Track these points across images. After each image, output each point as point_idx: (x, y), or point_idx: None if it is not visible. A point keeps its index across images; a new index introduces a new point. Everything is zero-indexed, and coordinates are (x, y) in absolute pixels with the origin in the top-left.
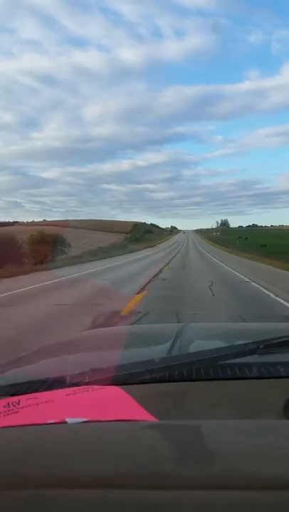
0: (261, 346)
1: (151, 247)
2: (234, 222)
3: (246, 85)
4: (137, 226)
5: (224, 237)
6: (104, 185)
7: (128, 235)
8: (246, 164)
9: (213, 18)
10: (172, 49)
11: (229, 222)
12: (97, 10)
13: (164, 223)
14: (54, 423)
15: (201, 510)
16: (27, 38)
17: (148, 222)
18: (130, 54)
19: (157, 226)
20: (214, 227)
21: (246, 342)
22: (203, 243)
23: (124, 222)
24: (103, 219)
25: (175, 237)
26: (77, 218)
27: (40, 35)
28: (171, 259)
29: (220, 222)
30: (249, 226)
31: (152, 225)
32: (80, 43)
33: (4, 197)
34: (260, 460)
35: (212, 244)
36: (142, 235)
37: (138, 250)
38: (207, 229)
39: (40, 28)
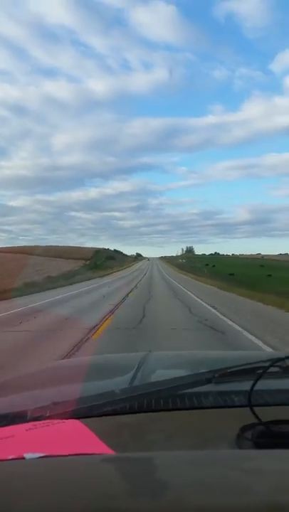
0: (216, 375)
1: (109, 274)
2: (197, 250)
3: (210, 119)
4: (99, 252)
5: (190, 264)
6: (73, 213)
7: (87, 262)
8: (208, 195)
9: (180, 53)
10: (140, 81)
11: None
12: (68, 42)
13: (129, 250)
14: (12, 459)
15: None
16: None
17: (114, 248)
18: (99, 85)
19: (121, 253)
20: (179, 254)
21: (203, 371)
22: (169, 270)
23: (86, 248)
24: (64, 245)
25: (138, 264)
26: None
27: (10, 65)
28: (125, 297)
29: (185, 249)
30: (212, 254)
31: (116, 251)
32: (50, 73)
33: None
34: (209, 491)
35: (180, 272)
36: (103, 261)
37: (92, 278)
38: (172, 256)
39: (10, 58)
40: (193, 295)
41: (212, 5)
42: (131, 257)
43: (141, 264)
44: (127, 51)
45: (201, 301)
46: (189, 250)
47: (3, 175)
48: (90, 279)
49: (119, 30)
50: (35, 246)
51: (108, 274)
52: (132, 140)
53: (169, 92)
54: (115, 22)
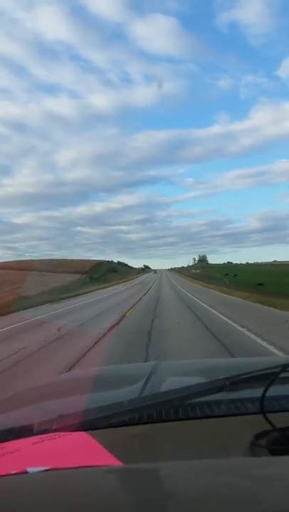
0: (228, 383)
1: (102, 288)
2: (209, 260)
3: (216, 129)
4: (100, 264)
5: (207, 273)
6: (78, 228)
7: (83, 276)
8: (217, 205)
9: (182, 65)
10: (142, 94)
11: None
12: (67, 57)
13: (137, 263)
14: (15, 474)
15: None
16: None
17: (118, 260)
18: (101, 100)
19: (126, 265)
20: (191, 264)
21: (214, 379)
22: (182, 280)
23: (84, 260)
24: (63, 258)
25: (143, 277)
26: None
27: (10, 83)
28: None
29: (197, 258)
30: (224, 264)
31: (120, 263)
32: (50, 89)
33: None
34: (218, 502)
35: (197, 283)
36: (103, 274)
37: (66, 299)
38: (182, 267)
39: (10, 76)
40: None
41: (214, 14)
42: (137, 269)
43: (146, 277)
44: (127, 65)
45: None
46: (202, 259)
47: (6, 193)
48: (64, 299)
49: (119, 44)
50: (27, 261)
51: (102, 288)
52: (137, 153)
53: (173, 104)
54: (114, 36)
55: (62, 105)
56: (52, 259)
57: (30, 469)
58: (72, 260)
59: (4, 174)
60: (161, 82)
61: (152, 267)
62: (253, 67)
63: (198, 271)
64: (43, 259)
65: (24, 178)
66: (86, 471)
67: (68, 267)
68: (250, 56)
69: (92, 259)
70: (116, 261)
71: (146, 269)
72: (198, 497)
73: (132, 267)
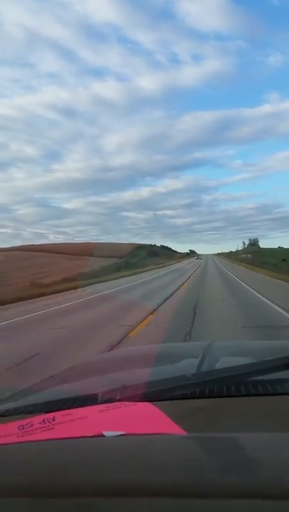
0: None
1: (129, 276)
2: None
3: (265, 108)
4: (141, 248)
5: (260, 258)
6: (125, 213)
7: (121, 260)
8: (266, 188)
9: (231, 42)
10: (190, 75)
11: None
12: (114, 40)
13: (182, 248)
14: (91, 436)
15: None
16: (46, 71)
17: (161, 244)
18: (148, 82)
19: (169, 249)
20: (240, 248)
21: (277, 357)
22: (235, 267)
23: (124, 244)
24: (104, 242)
25: (184, 262)
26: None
27: (59, 67)
28: None
29: (247, 242)
30: (276, 248)
31: (163, 247)
32: (98, 73)
33: (29, 228)
34: None
35: (256, 271)
36: (142, 258)
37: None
38: (230, 252)
39: (59, 60)
40: None
41: None
42: (181, 253)
43: (188, 263)
44: (175, 44)
45: None
46: (253, 243)
47: (57, 178)
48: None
49: (167, 23)
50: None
51: (124, 276)
52: (184, 136)
53: (221, 84)
54: (162, 15)
55: (109, 89)
56: (89, 243)
57: (106, 433)
58: (111, 244)
59: (54, 160)
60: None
61: (198, 251)
62: None
63: (249, 256)
64: (78, 243)
65: (73, 164)
66: (163, 437)
67: (106, 251)
68: None
69: (134, 242)
70: (159, 245)
71: (191, 253)
72: (281, 464)
73: (175, 251)
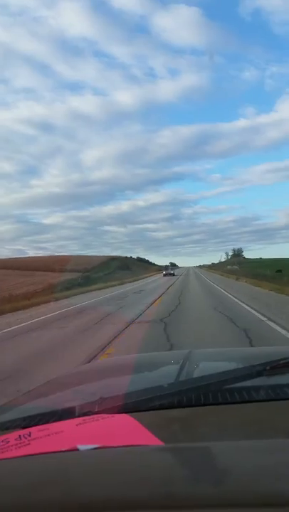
0: (268, 368)
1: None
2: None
3: (242, 123)
4: (112, 261)
5: (249, 270)
6: (106, 227)
7: (83, 274)
8: (245, 201)
9: (207, 56)
10: (167, 89)
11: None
12: (90, 54)
13: (164, 261)
14: (65, 451)
15: None
16: (21, 86)
17: (137, 256)
18: (126, 96)
19: (146, 261)
20: (223, 259)
21: (252, 365)
22: (227, 282)
23: (95, 257)
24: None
25: (158, 276)
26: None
27: (35, 82)
28: None
29: (231, 253)
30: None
31: (140, 259)
32: (74, 87)
33: (8, 245)
34: (271, 478)
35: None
36: (111, 272)
37: None
38: (213, 264)
39: (34, 75)
40: None
41: (237, 3)
42: (159, 266)
43: (158, 278)
44: (151, 58)
45: None
46: (237, 254)
47: (36, 193)
48: None
49: (142, 37)
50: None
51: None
52: (163, 150)
53: (198, 98)
54: (137, 29)
55: (86, 103)
56: (53, 256)
57: (80, 447)
58: (80, 256)
59: (33, 175)
60: (212, 54)
61: (180, 264)
62: (278, 56)
63: (235, 267)
64: (44, 256)
65: (52, 179)
66: (136, 449)
67: (71, 264)
68: (275, 45)
69: (106, 255)
70: (135, 257)
71: (172, 266)
72: (255, 472)
73: (153, 264)
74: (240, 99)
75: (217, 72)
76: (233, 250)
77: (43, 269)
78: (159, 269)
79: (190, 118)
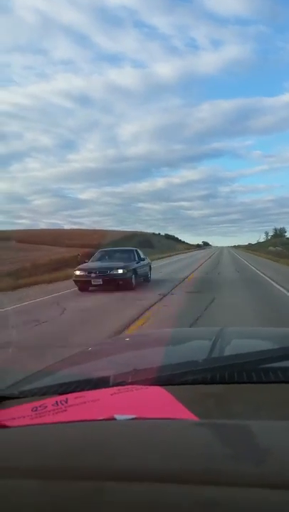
0: None
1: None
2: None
3: (287, 97)
4: (133, 237)
5: None
6: (140, 204)
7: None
8: (286, 180)
9: (252, 27)
10: (209, 61)
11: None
12: (130, 24)
13: (197, 240)
14: (103, 419)
15: (257, 507)
16: (60, 58)
17: (165, 233)
18: (165, 68)
19: (176, 239)
20: (262, 240)
21: (287, 345)
22: None
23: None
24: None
25: (181, 257)
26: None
27: (73, 54)
28: None
29: (271, 233)
30: None
31: (168, 236)
32: (113, 59)
33: (45, 219)
34: None
35: None
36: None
37: None
38: (249, 244)
39: (73, 47)
40: None
41: None
42: (190, 245)
43: (184, 257)
44: (193, 29)
45: None
46: (279, 234)
47: (72, 168)
48: None
49: (184, 6)
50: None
51: None
52: (201, 125)
53: (241, 71)
54: None
55: (125, 75)
56: (61, 229)
57: (118, 416)
58: (95, 231)
59: (69, 150)
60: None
61: (214, 244)
62: None
63: (279, 248)
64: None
65: (88, 154)
66: (174, 422)
67: (85, 239)
68: None
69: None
70: (163, 234)
71: (204, 246)
72: None
73: (183, 242)
74: (287, 73)
75: (262, 43)
76: (275, 230)
77: (50, 244)
78: (189, 247)
79: (232, 92)
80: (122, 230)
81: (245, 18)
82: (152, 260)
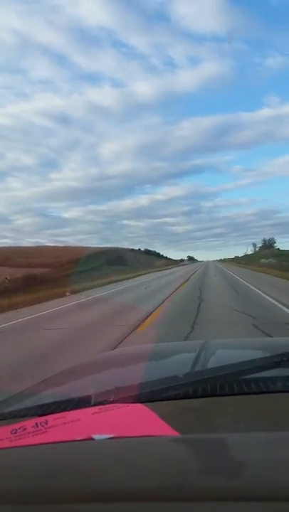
0: (285, 359)
1: None
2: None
3: (265, 112)
4: (106, 253)
5: None
6: (125, 221)
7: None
8: (267, 193)
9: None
10: (187, 79)
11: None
12: (108, 44)
13: (182, 255)
14: (81, 440)
15: None
16: (38, 77)
17: (144, 248)
18: (144, 87)
19: (157, 254)
20: (250, 252)
21: (269, 355)
22: None
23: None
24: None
25: (151, 277)
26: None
27: (52, 73)
28: None
29: (260, 244)
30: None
31: (148, 252)
32: (92, 78)
33: (28, 238)
34: (288, 471)
35: None
36: (90, 268)
37: None
38: (236, 257)
39: (51, 66)
40: None
41: None
42: (172, 260)
43: (152, 278)
44: (171, 48)
45: None
46: (269, 245)
47: (55, 187)
48: None
49: (161, 25)
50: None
51: None
52: (182, 142)
53: (219, 87)
54: (156, 17)
55: (104, 95)
56: (13, 246)
57: (96, 436)
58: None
59: (52, 168)
60: (231, 38)
61: (199, 258)
62: None
63: (272, 260)
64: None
65: (71, 173)
66: (151, 439)
67: (43, 257)
68: None
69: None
70: (143, 249)
71: (189, 260)
72: (267, 466)
73: (165, 257)
74: (264, 88)
75: (239, 59)
76: (264, 241)
77: (12, 265)
78: (169, 263)
79: (211, 108)
80: (93, 246)
81: (221, 35)
82: (102, 285)
